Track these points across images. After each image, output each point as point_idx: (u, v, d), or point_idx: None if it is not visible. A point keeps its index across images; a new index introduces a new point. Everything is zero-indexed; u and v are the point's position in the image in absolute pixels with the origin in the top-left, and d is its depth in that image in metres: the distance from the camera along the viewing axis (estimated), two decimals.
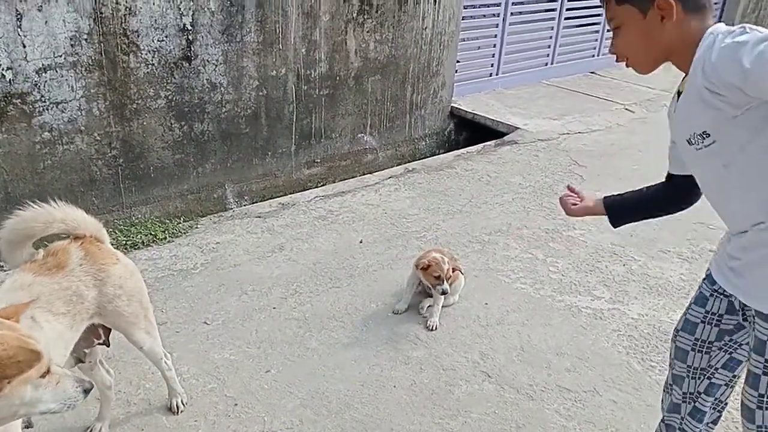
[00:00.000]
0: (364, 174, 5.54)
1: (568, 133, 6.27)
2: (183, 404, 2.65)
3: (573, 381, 2.94)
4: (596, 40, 8.55)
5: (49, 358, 1.62)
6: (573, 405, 2.79)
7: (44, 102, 3.86)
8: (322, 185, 5.28)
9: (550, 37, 7.87)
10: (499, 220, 4.47)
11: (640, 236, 4.26)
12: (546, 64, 8.01)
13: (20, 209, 2.14)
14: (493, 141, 6.08)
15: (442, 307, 3.35)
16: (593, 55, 8.62)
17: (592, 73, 8.52)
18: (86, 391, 1.69)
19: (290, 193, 5.02)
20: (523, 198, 4.84)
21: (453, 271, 3.26)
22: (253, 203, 4.90)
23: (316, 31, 5.07)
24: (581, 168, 5.47)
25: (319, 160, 5.52)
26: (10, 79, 3.69)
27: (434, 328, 3.26)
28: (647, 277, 3.82)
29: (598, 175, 5.33)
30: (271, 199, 4.90)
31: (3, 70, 3.65)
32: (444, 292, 3.21)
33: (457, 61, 6.49)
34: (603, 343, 3.22)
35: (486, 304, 3.50)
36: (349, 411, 2.69)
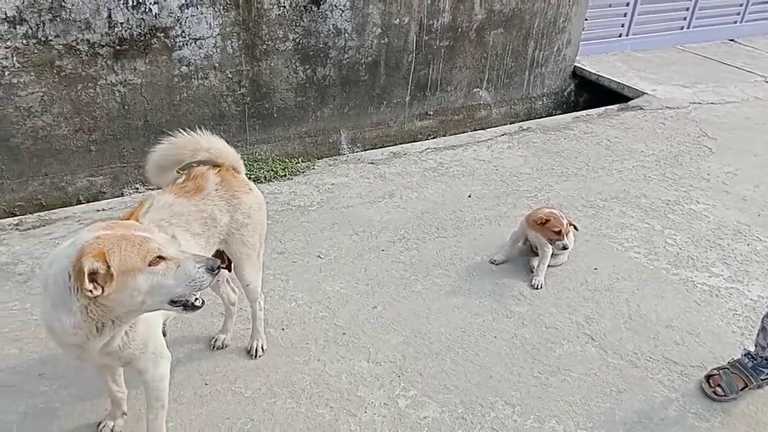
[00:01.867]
0: (476, 130, 5.50)
1: (699, 103, 5.88)
2: (263, 349, 2.69)
3: (681, 354, 2.86)
4: (741, 4, 7.85)
5: (158, 245, 1.68)
6: (678, 378, 2.73)
7: (184, 37, 4.10)
8: (433, 138, 5.30)
9: None
10: (616, 187, 4.33)
11: None
12: (682, 28, 7.48)
13: (168, 135, 2.28)
14: (617, 105, 5.82)
15: (549, 266, 3.33)
16: (735, 21, 7.94)
17: (732, 40, 7.88)
18: (210, 270, 1.71)
19: (401, 144, 5.08)
20: (645, 166, 4.64)
21: (566, 247, 3.23)
22: (365, 150, 5.01)
23: None
24: (711, 140, 5.13)
25: (432, 113, 5.53)
26: (156, 14, 3.94)
27: (539, 286, 3.25)
28: None
29: (729, 149, 4.99)
30: (382, 147, 4.99)
31: (151, 4, 3.91)
32: (565, 247, 3.17)
33: (585, 19, 6.20)
34: (717, 321, 3.09)
35: (595, 269, 3.43)
36: (450, 354, 2.77)
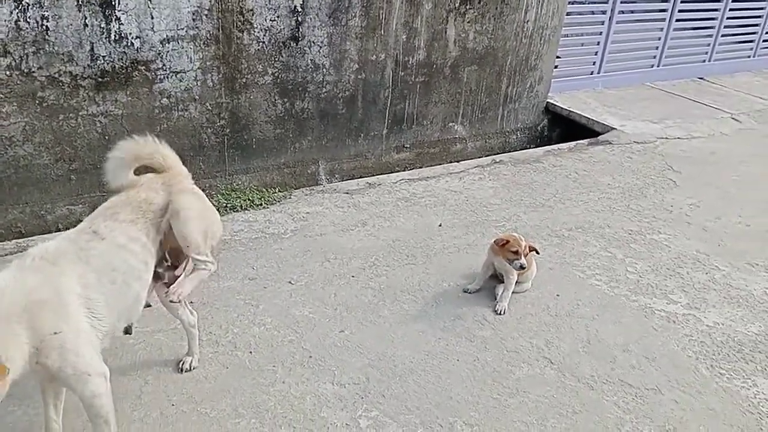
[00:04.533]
0: (451, 162, 5.66)
1: (666, 138, 6.10)
2: (191, 367, 2.73)
3: (636, 378, 2.97)
4: (708, 44, 8.19)
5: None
6: (633, 400, 2.83)
7: (165, 70, 4.24)
8: (410, 170, 5.45)
9: (659, 38, 7.63)
10: (581, 217, 4.48)
11: (728, 246, 4.14)
12: (652, 66, 7.78)
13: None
14: (587, 140, 6.02)
15: (513, 293, 3.45)
16: (704, 60, 8.27)
17: (700, 78, 8.19)
18: None
19: (379, 175, 5.22)
20: (610, 198, 4.81)
21: (530, 250, 3.36)
22: (343, 181, 5.14)
23: (418, 19, 5.22)
24: (675, 173, 5.33)
25: (408, 146, 5.69)
26: (137, 47, 4.09)
27: (502, 312, 3.36)
28: (729, 288, 3.74)
29: (693, 181, 5.18)
30: (360, 178, 5.12)
31: (132, 38, 4.05)
32: (522, 267, 3.29)
33: (557, 57, 6.45)
34: (673, 346, 3.21)
35: (558, 295, 3.55)
36: (413, 376, 2.86)
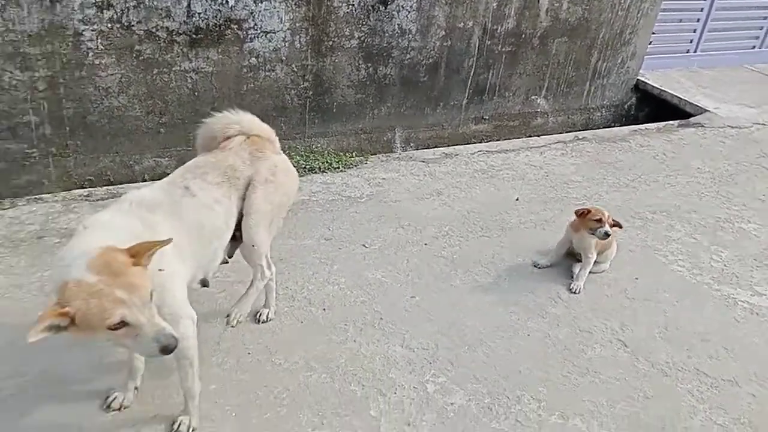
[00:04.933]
0: (530, 137, 5.53)
1: (763, 124, 5.74)
2: (237, 321, 2.70)
3: (713, 368, 2.86)
4: None
5: (124, 312, 1.72)
6: (708, 390, 2.73)
7: (256, 30, 4.31)
8: (486, 142, 5.37)
9: (764, 18, 7.11)
10: (667, 201, 4.30)
11: None
12: (753, 47, 7.28)
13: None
14: (677, 121, 5.74)
15: (590, 273, 3.37)
16: None
17: None
18: (163, 349, 1.77)
19: (453, 145, 5.17)
20: (699, 182, 4.59)
21: (613, 226, 3.25)
22: (418, 149, 5.12)
23: None
24: None
25: (487, 117, 5.60)
26: (231, 5, 4.16)
27: (578, 291, 3.30)
28: None
29: None
30: (434, 148, 5.09)
31: None
32: (607, 234, 3.19)
33: (653, 33, 6.14)
34: (754, 339, 3.07)
35: (636, 278, 3.45)
36: (482, 347, 2.86)
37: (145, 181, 4.28)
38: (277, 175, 2.50)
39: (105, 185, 4.14)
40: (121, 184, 4.15)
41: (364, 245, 3.53)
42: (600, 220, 3.20)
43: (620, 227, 3.39)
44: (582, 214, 3.27)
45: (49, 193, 3.89)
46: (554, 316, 3.11)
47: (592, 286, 3.35)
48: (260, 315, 2.89)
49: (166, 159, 4.41)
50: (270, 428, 2.35)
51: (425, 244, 3.60)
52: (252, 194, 2.44)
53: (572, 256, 3.50)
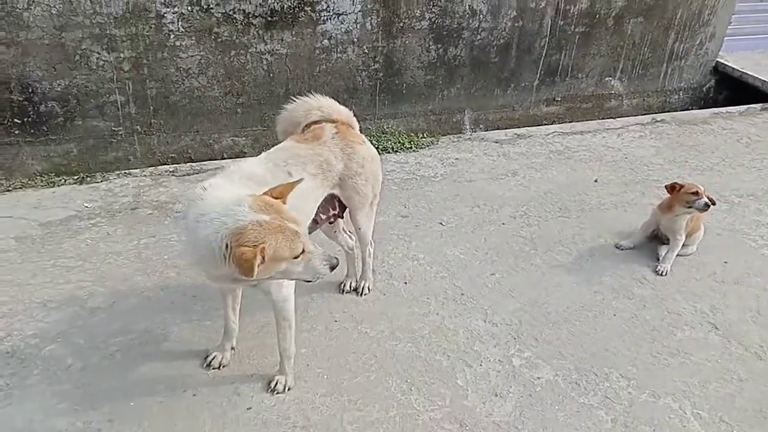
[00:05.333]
0: (604, 119, 5.39)
1: None
2: (369, 289, 2.93)
3: None
4: None
5: (304, 241, 1.93)
6: None
7: (329, 12, 4.34)
8: (559, 123, 5.26)
9: None
10: (754, 184, 4.12)
11: None
12: None
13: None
14: (760, 104, 5.48)
15: (677, 255, 3.26)
16: None
17: None
18: (332, 267, 2.00)
19: (523, 127, 5.08)
20: None
21: (708, 204, 3.13)
22: (488, 131, 5.06)
23: None
24: None
25: (559, 99, 5.48)
26: None
27: (664, 273, 3.20)
28: None
29: None
30: (504, 129, 5.02)
31: None
32: (707, 205, 3.09)
33: (733, 13, 5.87)
34: None
35: (725, 262, 3.32)
36: (566, 325, 2.81)
37: (224, 158, 4.38)
38: (365, 166, 2.60)
39: (187, 162, 4.25)
40: (202, 161, 4.27)
41: (440, 223, 3.52)
42: (697, 192, 3.10)
43: (714, 204, 3.24)
44: (675, 189, 3.16)
45: (135, 168, 4.04)
46: (641, 297, 3.03)
47: (679, 268, 3.25)
48: (344, 285, 2.96)
49: (243, 138, 4.50)
50: (361, 391, 2.39)
51: (503, 224, 3.56)
52: (347, 189, 2.59)
53: (656, 239, 3.39)
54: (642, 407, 2.41)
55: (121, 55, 3.92)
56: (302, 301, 2.80)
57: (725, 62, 6.01)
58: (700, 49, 5.83)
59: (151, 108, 4.14)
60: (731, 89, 6.07)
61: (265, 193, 1.98)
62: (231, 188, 2.08)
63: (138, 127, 4.15)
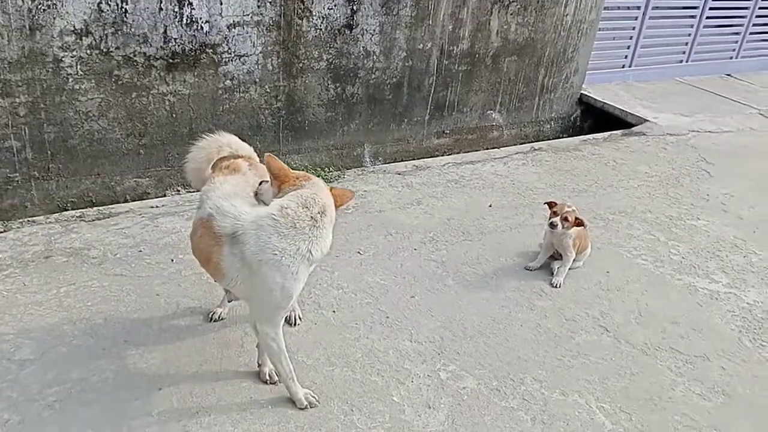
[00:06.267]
0: (488, 149, 5.87)
1: (698, 131, 6.31)
2: (300, 318, 3.05)
3: (685, 346, 3.20)
4: (736, 42, 8.37)
5: None
6: (684, 365, 3.06)
7: (230, 54, 4.46)
8: (449, 155, 5.67)
9: (689, 35, 7.82)
10: (623, 203, 4.70)
11: (764, 233, 4.35)
12: (681, 62, 7.97)
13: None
14: (620, 130, 6.23)
15: (568, 269, 3.68)
16: (731, 57, 8.45)
17: (728, 75, 8.37)
18: None
19: (418, 159, 5.44)
20: (649, 185, 5.02)
21: (576, 221, 3.51)
22: (386, 163, 5.36)
23: (464, 10, 5.42)
24: (709, 165, 5.54)
25: (448, 132, 5.91)
26: (206, 31, 4.31)
27: (559, 285, 3.59)
28: (766, 270, 3.96)
29: (726, 173, 5.39)
30: (401, 161, 5.34)
31: (202, 22, 4.28)
32: (552, 225, 3.48)
33: (592, 50, 6.63)
34: (717, 320, 3.44)
35: (607, 272, 3.78)
36: (482, 338, 3.10)
37: (127, 201, 4.32)
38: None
39: (87, 207, 4.16)
40: (103, 205, 4.18)
41: (359, 252, 3.72)
42: (555, 213, 3.50)
43: (583, 225, 3.61)
44: (552, 206, 3.58)
45: (35, 216, 3.89)
46: (541, 308, 3.39)
47: (570, 280, 3.66)
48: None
49: (147, 179, 4.47)
50: (306, 416, 2.51)
51: (414, 249, 3.82)
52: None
53: (552, 256, 3.79)
54: (555, 405, 2.73)
55: (17, 100, 3.80)
56: (236, 336, 2.88)
57: (588, 93, 6.76)
58: (567, 82, 6.53)
59: (49, 152, 4.03)
60: (594, 117, 6.83)
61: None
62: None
63: (35, 172, 4.01)
